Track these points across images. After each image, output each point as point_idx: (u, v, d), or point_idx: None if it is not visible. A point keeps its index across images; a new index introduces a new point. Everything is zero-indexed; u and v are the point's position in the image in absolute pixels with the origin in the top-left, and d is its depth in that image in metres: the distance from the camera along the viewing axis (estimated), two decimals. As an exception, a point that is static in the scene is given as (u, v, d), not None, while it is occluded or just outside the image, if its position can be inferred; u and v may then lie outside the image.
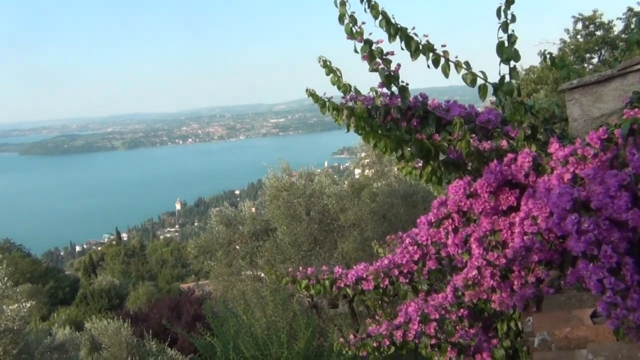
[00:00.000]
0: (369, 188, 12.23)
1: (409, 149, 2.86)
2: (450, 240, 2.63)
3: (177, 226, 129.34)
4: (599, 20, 17.82)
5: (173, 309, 15.16)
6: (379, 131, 2.88)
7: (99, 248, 73.88)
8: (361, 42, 2.85)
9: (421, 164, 3.00)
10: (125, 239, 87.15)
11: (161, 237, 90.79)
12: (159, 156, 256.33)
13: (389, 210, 11.74)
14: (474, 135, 2.73)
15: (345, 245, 11.18)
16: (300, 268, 2.94)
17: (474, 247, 2.50)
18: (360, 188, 12.26)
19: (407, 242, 2.79)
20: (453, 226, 2.66)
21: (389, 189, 12.07)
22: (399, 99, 2.92)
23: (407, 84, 2.91)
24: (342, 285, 2.84)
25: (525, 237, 2.33)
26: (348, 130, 2.93)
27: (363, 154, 14.12)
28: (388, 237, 3.39)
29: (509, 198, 2.56)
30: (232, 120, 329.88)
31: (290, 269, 2.94)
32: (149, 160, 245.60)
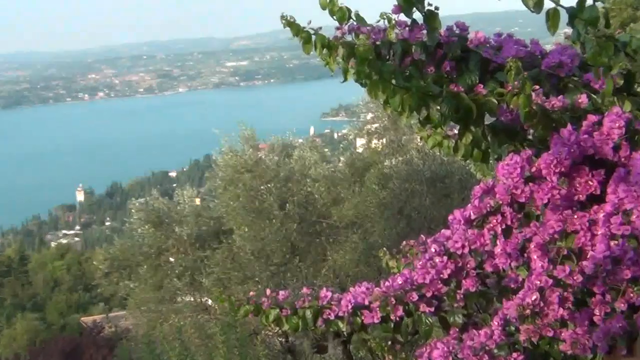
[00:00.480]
0: (378, 168, 12.22)
1: (438, 107, 2.85)
2: (500, 248, 2.62)
3: (77, 227, 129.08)
4: None
5: (69, 356, 15.17)
6: (393, 80, 2.87)
7: (-45, 260, 73.52)
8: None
9: (457, 131, 2.99)
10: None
11: (52, 243, 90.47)
12: (52, 119, 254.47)
13: (407, 201, 11.73)
14: (537, 86, 2.69)
15: (339, 256, 11.21)
16: (268, 291, 2.91)
17: (536, 257, 2.51)
18: (365, 168, 12.26)
19: (433, 250, 2.78)
20: (504, 226, 2.63)
21: (409, 170, 12.06)
22: (424, 31, 2.90)
23: (436, 9, 2.89)
24: (332, 317, 2.84)
25: (612, 243, 2.34)
26: (345, 79, 2.91)
27: (369, 116, 14.11)
28: (404, 243, 3.38)
29: (590, 183, 2.56)
30: (167, 64, 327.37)
31: (252, 293, 2.93)
32: (36, 125, 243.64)
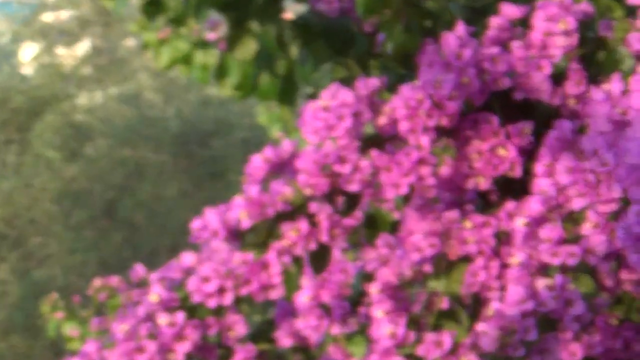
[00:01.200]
0: (62, 112, 8.17)
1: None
2: (306, 294, 1.83)
3: None
4: None
5: None
6: None
7: None
8: None
9: (224, 34, 2.11)
10: None
11: None
12: None
13: (127, 188, 8.75)
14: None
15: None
16: None
17: (381, 315, 1.70)
18: (34, 111, 7.75)
19: (156, 298, 1.80)
20: (314, 244, 1.71)
21: (134, 117, 8.67)
22: None
23: None
24: None
25: (541, 283, 1.54)
26: None
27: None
28: (97, 283, 2.76)
29: (501, 152, 1.74)
30: None
31: None
32: None
